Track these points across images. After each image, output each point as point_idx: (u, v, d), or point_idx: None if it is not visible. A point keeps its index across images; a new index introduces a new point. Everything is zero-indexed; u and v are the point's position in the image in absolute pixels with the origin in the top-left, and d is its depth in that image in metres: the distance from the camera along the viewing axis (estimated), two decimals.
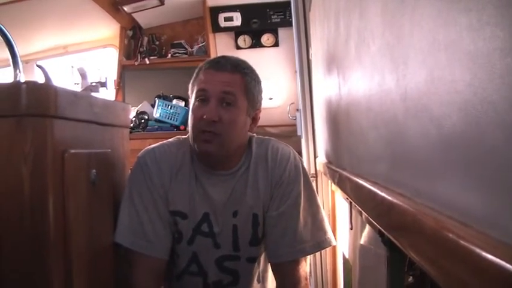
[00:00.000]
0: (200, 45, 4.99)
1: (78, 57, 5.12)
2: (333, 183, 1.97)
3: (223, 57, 1.67)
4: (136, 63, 5.00)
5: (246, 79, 1.63)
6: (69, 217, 1.23)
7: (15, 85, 1.28)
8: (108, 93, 4.55)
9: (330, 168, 1.86)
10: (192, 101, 1.65)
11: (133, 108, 4.44)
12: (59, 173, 1.21)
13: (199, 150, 1.63)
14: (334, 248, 2.24)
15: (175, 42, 5.07)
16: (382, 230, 0.94)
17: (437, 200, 0.64)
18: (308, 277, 1.75)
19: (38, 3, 4.08)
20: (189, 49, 5.02)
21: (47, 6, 4.20)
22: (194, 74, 1.68)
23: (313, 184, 1.83)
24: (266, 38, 5.03)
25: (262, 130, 4.69)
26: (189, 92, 1.69)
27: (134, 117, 4.54)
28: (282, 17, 4.87)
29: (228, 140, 1.61)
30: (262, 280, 1.82)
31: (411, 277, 1.06)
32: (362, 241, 1.34)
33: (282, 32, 5.00)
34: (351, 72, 1.32)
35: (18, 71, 1.68)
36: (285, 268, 1.68)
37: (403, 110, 0.77)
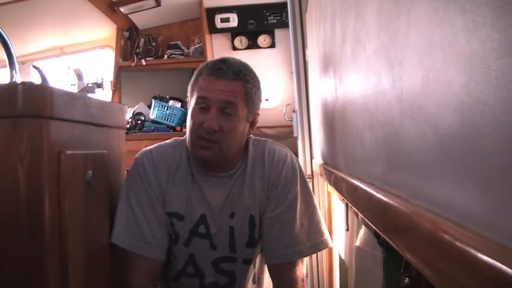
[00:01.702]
0: (197, 46, 5.00)
1: (75, 58, 5.12)
2: (329, 184, 1.97)
3: (225, 62, 1.62)
4: (132, 64, 5.00)
5: (247, 86, 1.61)
6: (65, 218, 1.23)
7: (12, 86, 1.28)
8: (104, 94, 4.55)
9: (326, 169, 1.87)
10: (191, 105, 1.63)
11: (129, 109, 4.43)
12: (55, 173, 1.21)
13: (197, 156, 1.63)
14: (330, 249, 2.24)
15: (171, 43, 5.07)
16: (378, 231, 0.94)
17: (433, 201, 0.64)
18: (305, 278, 1.75)
19: (34, 4, 4.07)
20: (186, 50, 5.02)
21: (43, 7, 4.19)
22: (194, 76, 1.66)
23: (310, 185, 1.83)
24: (262, 39, 5.03)
25: (259, 131, 4.70)
26: (188, 93, 1.68)
27: (130, 118, 4.53)
28: (279, 18, 4.88)
29: (227, 147, 1.61)
30: (258, 281, 1.82)
31: (407, 278, 1.06)
32: (358, 242, 1.34)
33: (278, 33, 5.00)
34: (347, 73, 1.32)
35: (14, 71, 1.68)
36: (281, 270, 1.68)
37: (399, 111, 0.77)
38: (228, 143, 1.60)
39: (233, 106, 1.57)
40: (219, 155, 1.61)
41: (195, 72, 1.67)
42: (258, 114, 1.71)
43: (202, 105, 1.58)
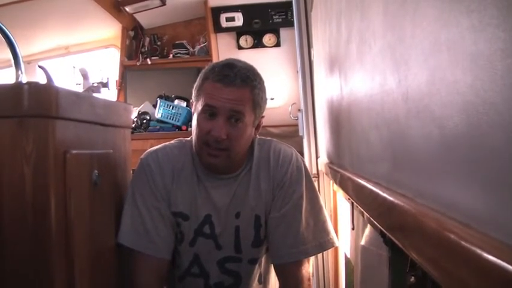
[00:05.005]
0: (202, 45, 5.00)
1: (80, 58, 5.13)
2: (334, 184, 1.97)
3: (231, 67, 1.59)
4: (138, 64, 5.01)
5: (254, 92, 1.59)
6: (71, 217, 1.23)
7: (17, 86, 1.28)
8: (109, 94, 4.56)
9: (332, 168, 1.86)
10: (197, 110, 1.62)
11: (135, 108, 4.44)
12: (61, 173, 1.21)
13: (205, 162, 1.63)
14: (336, 248, 2.24)
15: (177, 42, 5.08)
16: (384, 230, 0.94)
17: (439, 201, 0.64)
18: (311, 278, 1.75)
19: (39, 3, 4.09)
20: (191, 49, 5.02)
21: (48, 7, 4.21)
22: (199, 79, 1.64)
23: (315, 184, 1.83)
24: (268, 38, 5.03)
25: (264, 130, 4.70)
26: (193, 97, 1.66)
27: (136, 117, 4.54)
28: (284, 17, 4.87)
29: (234, 153, 1.61)
30: (264, 281, 1.82)
31: (413, 277, 1.06)
32: (364, 241, 1.34)
33: (283, 32, 5.00)
34: (353, 72, 1.32)
35: (20, 71, 1.68)
36: (287, 269, 1.68)
37: (405, 110, 0.77)
38: (235, 150, 1.60)
39: (240, 114, 1.57)
40: (227, 162, 1.61)
41: (201, 75, 1.65)
42: (263, 117, 1.71)
43: (209, 112, 1.57)
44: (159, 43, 5.14)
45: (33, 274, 1.16)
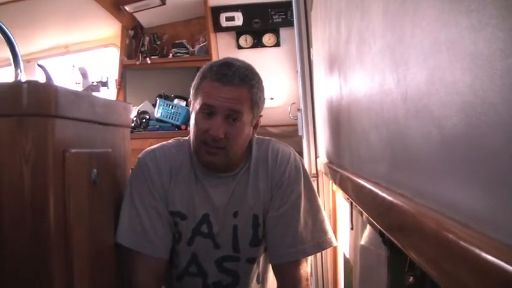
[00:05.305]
0: (201, 45, 5.00)
1: (80, 57, 5.13)
2: (333, 184, 1.97)
3: (230, 66, 1.59)
4: (137, 63, 5.00)
5: (252, 92, 1.59)
6: (69, 217, 1.23)
7: (16, 84, 1.28)
8: (109, 93, 4.55)
9: (331, 168, 1.86)
10: (195, 109, 1.62)
11: (134, 107, 4.44)
12: (60, 172, 1.21)
13: (204, 161, 1.63)
14: (335, 248, 2.24)
15: (176, 41, 5.08)
16: (383, 230, 0.94)
17: (438, 201, 0.64)
18: (309, 277, 1.75)
19: (39, 2, 4.08)
20: (191, 49, 5.02)
21: (48, 6, 4.20)
22: (197, 79, 1.64)
23: (314, 184, 1.83)
24: (267, 38, 5.02)
25: (264, 130, 4.69)
26: (191, 96, 1.67)
27: (135, 116, 4.54)
28: (284, 17, 4.87)
29: (232, 152, 1.61)
30: (262, 281, 1.82)
31: (412, 277, 1.06)
32: (363, 241, 1.34)
33: (283, 32, 4.99)
34: (352, 72, 1.32)
35: (19, 70, 1.69)
36: (285, 269, 1.68)
37: (404, 110, 0.77)
38: (233, 149, 1.60)
39: (238, 113, 1.57)
40: (225, 160, 1.61)
41: (199, 74, 1.65)
42: (261, 116, 1.71)
43: (207, 111, 1.57)
44: (158, 42, 5.14)
45: (32, 274, 1.16)
